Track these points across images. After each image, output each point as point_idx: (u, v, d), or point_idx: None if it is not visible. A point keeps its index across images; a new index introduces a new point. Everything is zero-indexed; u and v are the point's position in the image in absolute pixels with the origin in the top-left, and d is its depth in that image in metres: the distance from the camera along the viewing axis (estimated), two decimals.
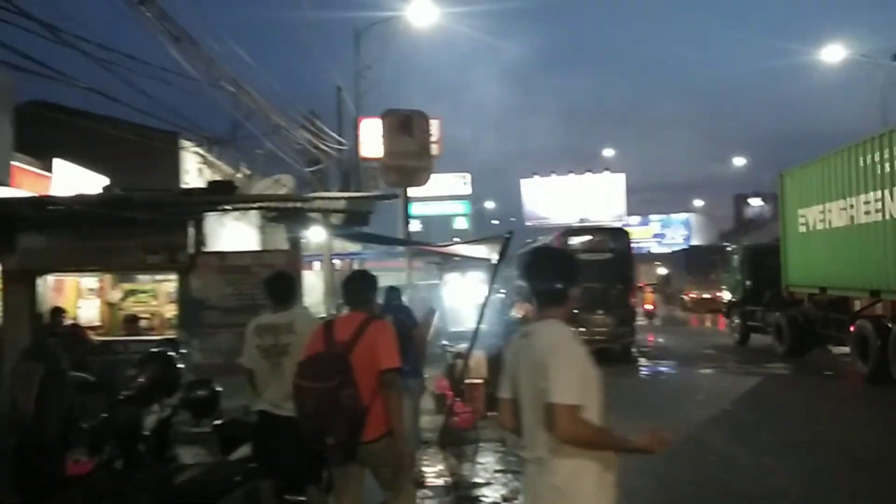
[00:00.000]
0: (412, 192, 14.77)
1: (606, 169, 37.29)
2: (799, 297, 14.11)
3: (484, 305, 6.89)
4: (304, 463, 3.61)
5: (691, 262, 30.82)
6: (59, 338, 4.60)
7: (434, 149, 15.94)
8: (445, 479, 6.02)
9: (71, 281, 10.25)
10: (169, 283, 10.07)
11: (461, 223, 33.81)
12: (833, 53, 21.49)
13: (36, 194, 9.37)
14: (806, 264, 13.48)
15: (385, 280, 8.87)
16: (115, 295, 11.05)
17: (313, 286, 12.36)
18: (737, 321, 17.22)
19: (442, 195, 30.29)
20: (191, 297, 8.24)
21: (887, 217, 10.17)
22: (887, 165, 10.13)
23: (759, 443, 7.47)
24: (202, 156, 14.37)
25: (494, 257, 6.80)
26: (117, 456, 3.86)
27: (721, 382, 11.93)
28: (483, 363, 8.23)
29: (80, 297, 10.64)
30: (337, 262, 14.52)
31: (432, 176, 13.29)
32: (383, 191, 14.78)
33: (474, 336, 6.93)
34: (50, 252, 8.27)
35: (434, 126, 15.57)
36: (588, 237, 16.28)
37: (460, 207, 32.98)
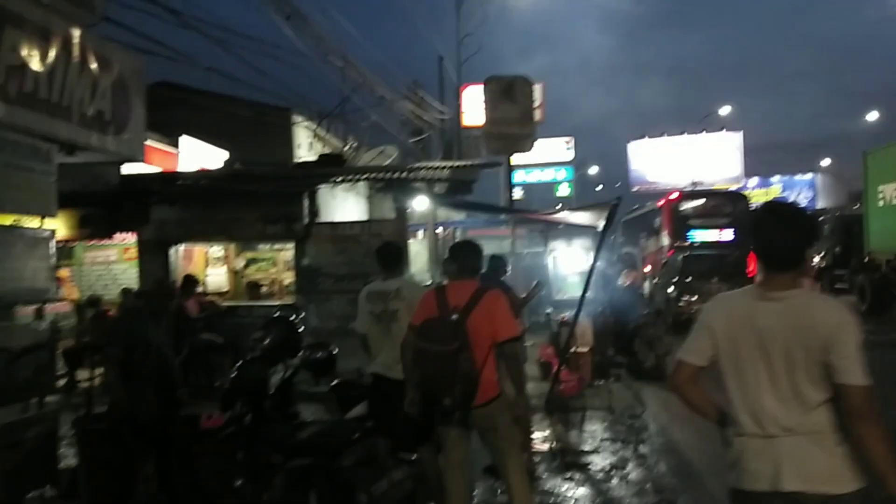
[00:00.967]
0: (515, 159, 14.63)
1: (723, 128, 35.05)
2: (878, 262, 15.54)
3: (590, 273, 6.79)
4: (416, 423, 3.75)
5: None
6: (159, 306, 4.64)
7: (537, 114, 15.67)
8: (551, 445, 6.06)
9: (199, 250, 11.00)
10: (286, 252, 10.62)
11: (564, 190, 33.11)
12: None
13: (164, 170, 10.09)
14: (884, 233, 15.26)
15: (488, 248, 8.93)
16: (239, 263, 11.79)
17: (418, 254, 12.64)
18: (825, 284, 17.18)
19: (545, 162, 29.77)
20: (306, 264, 8.69)
21: None
22: None
23: None
24: (312, 130, 14.91)
25: (601, 224, 6.65)
26: (246, 412, 4.17)
27: None
28: (589, 331, 8.14)
29: (208, 265, 11.40)
30: (440, 230, 14.72)
31: (535, 142, 13.09)
32: (486, 159, 14.76)
33: (580, 304, 6.85)
34: (179, 223, 8.97)
35: (537, 91, 15.28)
36: (702, 201, 15.53)
37: (563, 174, 32.28)
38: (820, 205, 39.08)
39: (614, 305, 9.33)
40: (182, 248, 9.73)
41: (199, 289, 9.74)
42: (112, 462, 4.40)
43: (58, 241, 6.78)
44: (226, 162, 11.97)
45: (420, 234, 14.09)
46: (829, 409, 2.15)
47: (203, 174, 9.12)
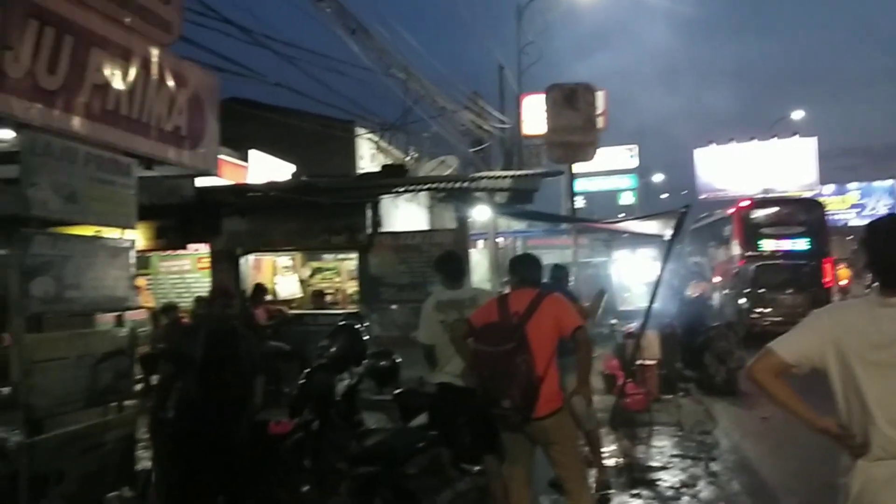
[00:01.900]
0: (577, 167, 14.46)
1: (795, 133, 33.64)
2: None
3: (657, 283, 6.61)
4: (482, 433, 3.73)
5: None
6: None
7: (599, 122, 15.44)
8: (618, 460, 5.90)
9: (268, 259, 11.32)
10: (350, 262, 10.80)
11: (627, 198, 32.46)
12: None
13: (235, 183, 10.43)
14: None
15: (549, 258, 8.83)
16: (305, 272, 12.08)
17: (478, 263, 12.62)
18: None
19: (608, 170, 29.27)
20: (369, 274, 8.80)
21: None
22: None
23: None
24: (375, 142, 15.15)
25: (667, 233, 6.48)
26: (313, 419, 4.24)
27: None
28: (656, 343, 7.91)
29: (276, 273, 11.72)
30: (500, 239, 14.66)
31: (598, 150, 12.91)
32: (548, 168, 14.63)
33: (647, 315, 6.68)
34: (249, 234, 9.26)
35: (599, 98, 15.06)
36: (775, 209, 14.93)
37: (627, 182, 31.68)
38: None
39: (682, 317, 9.07)
40: (252, 257, 10.03)
41: (269, 297, 10.02)
42: (181, 465, 4.49)
43: (136, 252, 7.09)
44: (292, 174, 12.29)
45: (481, 243, 14.08)
46: None
47: (271, 186, 9.38)
